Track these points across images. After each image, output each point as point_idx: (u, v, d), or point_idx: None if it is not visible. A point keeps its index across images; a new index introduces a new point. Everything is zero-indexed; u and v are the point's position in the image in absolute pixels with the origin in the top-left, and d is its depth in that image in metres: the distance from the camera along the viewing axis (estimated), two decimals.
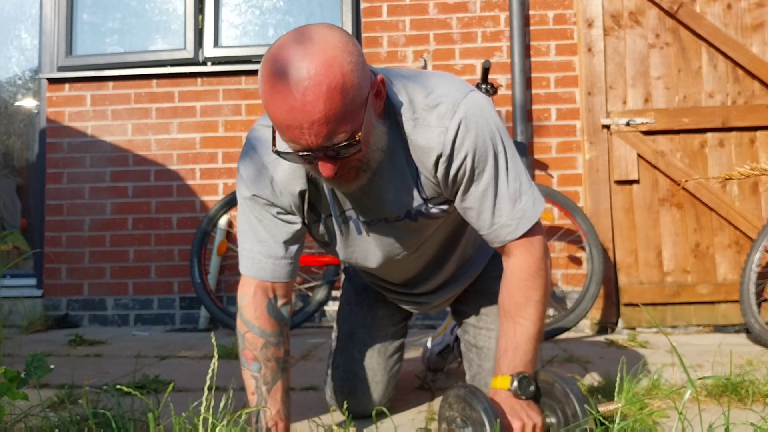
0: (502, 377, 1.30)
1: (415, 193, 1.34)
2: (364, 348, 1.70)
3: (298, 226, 1.39)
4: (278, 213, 1.38)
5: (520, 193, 1.32)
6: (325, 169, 1.14)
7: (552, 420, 1.26)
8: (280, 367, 1.40)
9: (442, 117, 1.25)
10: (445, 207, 1.39)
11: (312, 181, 1.34)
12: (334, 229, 1.43)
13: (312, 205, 1.39)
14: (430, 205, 1.37)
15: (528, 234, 1.33)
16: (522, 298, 1.34)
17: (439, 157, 1.26)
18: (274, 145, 1.21)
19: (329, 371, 1.73)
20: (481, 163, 1.28)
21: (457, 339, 2.05)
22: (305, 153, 1.12)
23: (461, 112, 1.25)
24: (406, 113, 1.26)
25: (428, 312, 1.79)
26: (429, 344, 2.21)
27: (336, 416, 1.67)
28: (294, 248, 1.41)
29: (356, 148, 1.14)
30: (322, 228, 1.44)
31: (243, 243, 1.43)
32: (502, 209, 1.31)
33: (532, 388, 1.27)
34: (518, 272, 1.35)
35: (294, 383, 1.97)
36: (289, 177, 1.33)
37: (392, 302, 1.75)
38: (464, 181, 1.29)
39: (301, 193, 1.35)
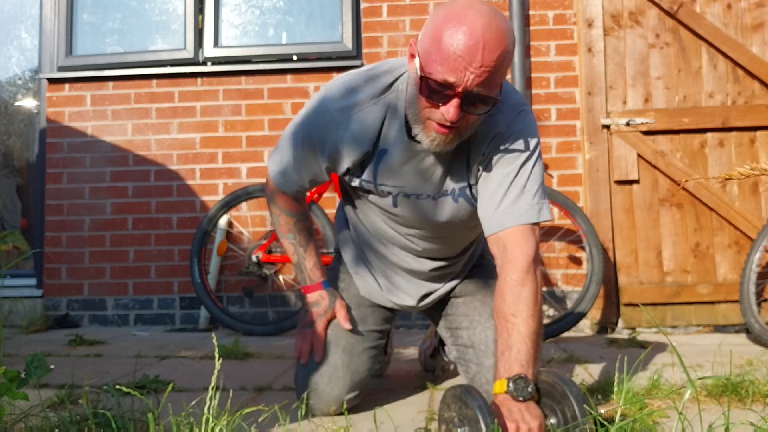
0: (499, 381, 1.30)
1: (464, 173, 1.48)
2: (329, 345, 1.69)
3: (324, 177, 1.59)
4: (323, 156, 1.50)
5: (533, 194, 1.43)
6: (454, 111, 1.26)
7: (552, 421, 1.26)
8: (310, 235, 1.73)
9: (511, 107, 1.43)
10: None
11: (384, 142, 1.47)
12: (378, 194, 1.56)
13: (372, 165, 1.50)
14: (473, 190, 1.50)
15: (527, 229, 1.40)
16: (512, 296, 1.37)
17: (496, 135, 1.43)
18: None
19: (294, 369, 1.76)
20: (520, 148, 1.43)
21: (442, 341, 2.05)
22: (452, 87, 1.24)
23: (522, 107, 1.45)
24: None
25: (406, 309, 1.79)
26: (422, 347, 2.22)
27: (336, 417, 1.67)
28: (312, 184, 1.62)
29: (487, 107, 1.29)
30: (362, 184, 1.55)
31: (282, 157, 1.58)
32: (515, 197, 1.42)
33: (529, 388, 1.26)
34: (509, 269, 1.39)
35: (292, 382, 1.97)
36: (362, 131, 1.45)
37: (365, 307, 1.77)
38: (495, 159, 1.44)
39: (375, 152, 1.48)
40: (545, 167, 3.42)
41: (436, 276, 1.73)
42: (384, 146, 1.46)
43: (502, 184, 1.42)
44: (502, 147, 1.43)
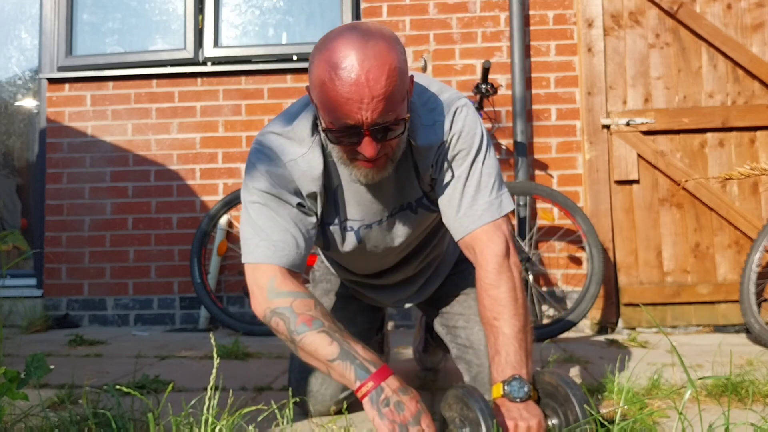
0: (495, 386, 1.30)
1: (416, 184, 1.45)
2: None
3: (314, 221, 1.43)
4: (299, 205, 1.41)
5: (490, 190, 1.41)
6: (369, 148, 1.22)
7: (554, 421, 1.26)
8: (335, 320, 1.36)
9: (440, 113, 1.39)
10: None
11: (324, 185, 1.41)
12: (334, 237, 1.50)
13: (323, 207, 1.44)
14: (427, 199, 1.48)
15: (491, 228, 1.38)
16: (490, 300, 1.35)
17: (435, 146, 1.39)
18: (316, 127, 1.33)
19: (288, 374, 1.76)
20: (465, 148, 1.39)
21: (427, 330, 2.04)
22: (355, 128, 1.20)
23: (455, 106, 1.40)
24: (418, 109, 1.39)
25: (393, 306, 1.81)
26: (414, 345, 2.23)
27: (336, 417, 1.67)
28: (309, 244, 1.42)
29: (401, 130, 1.25)
30: (321, 236, 1.50)
31: (260, 233, 1.37)
32: (471, 197, 1.39)
33: (525, 388, 1.26)
34: (482, 274, 1.37)
35: None
36: (306, 178, 1.39)
37: (354, 304, 1.78)
38: (445, 162, 1.40)
39: (314, 195, 1.41)
40: (546, 167, 3.42)
41: (420, 275, 1.74)
42: (331, 186, 1.44)
43: (456, 188, 1.40)
44: (446, 151, 1.40)
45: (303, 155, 1.38)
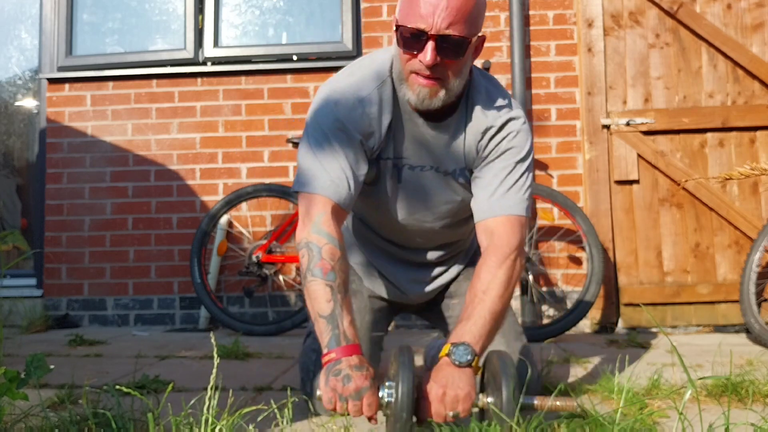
0: (445, 346, 1.34)
1: (461, 155, 1.54)
2: None
3: (366, 166, 1.50)
4: (362, 144, 1.48)
5: (525, 192, 1.51)
6: (429, 54, 1.32)
7: (489, 399, 1.25)
8: (348, 281, 1.43)
9: (503, 105, 1.52)
10: None
11: (394, 118, 1.51)
12: (383, 171, 1.57)
13: (384, 142, 1.52)
14: (467, 174, 1.57)
15: (515, 221, 1.47)
16: (488, 275, 1.41)
17: (489, 128, 1.50)
18: (397, 28, 1.38)
19: (300, 374, 1.77)
20: (514, 149, 1.50)
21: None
22: (424, 33, 1.31)
23: (521, 115, 1.54)
24: (481, 87, 1.52)
25: (411, 302, 1.81)
26: (434, 343, 2.22)
27: (336, 417, 1.67)
28: (358, 188, 1.49)
29: (461, 51, 1.35)
30: (374, 169, 1.56)
31: (320, 167, 1.44)
32: (507, 189, 1.49)
33: (469, 356, 1.28)
34: (491, 252, 1.44)
35: (294, 383, 1.97)
36: (380, 108, 1.49)
37: (368, 316, 1.79)
38: (491, 154, 1.51)
39: (387, 125, 1.50)
40: (546, 167, 3.43)
41: (439, 263, 1.78)
42: (393, 122, 1.52)
43: (497, 175, 1.49)
44: (498, 143, 1.51)
45: (379, 87, 1.48)
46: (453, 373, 1.28)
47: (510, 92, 3.44)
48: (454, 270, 1.82)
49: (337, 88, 1.50)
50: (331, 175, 1.43)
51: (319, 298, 1.35)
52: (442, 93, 1.41)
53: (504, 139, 1.51)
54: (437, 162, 1.56)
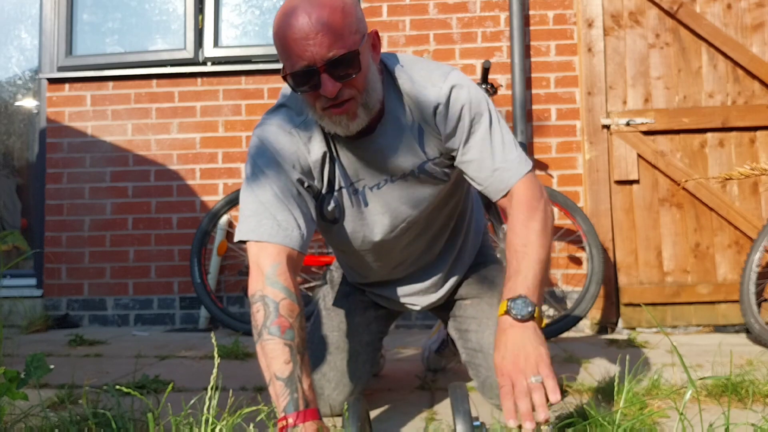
0: (502, 303, 1.31)
1: (418, 149, 1.48)
2: (337, 351, 1.70)
3: (313, 202, 1.46)
4: (302, 183, 1.43)
5: (514, 145, 1.47)
6: (328, 86, 1.27)
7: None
8: (306, 339, 1.35)
9: (436, 80, 1.43)
10: (447, 171, 1.52)
11: (329, 149, 1.45)
12: (343, 203, 1.51)
13: (328, 174, 1.47)
14: (432, 165, 1.50)
15: (528, 179, 1.44)
16: (523, 229, 1.38)
17: (436, 107, 1.43)
18: (286, 78, 1.32)
19: None
20: (477, 114, 1.44)
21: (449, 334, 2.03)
22: (311, 69, 1.26)
23: (452, 77, 1.44)
24: (402, 75, 1.44)
25: (414, 311, 1.80)
26: (426, 343, 2.21)
27: (336, 417, 1.67)
28: (311, 228, 1.43)
29: (355, 64, 1.28)
30: (332, 203, 1.51)
31: (265, 211, 1.37)
32: (502, 153, 1.44)
33: (530, 308, 1.25)
34: (517, 210, 1.41)
35: None
36: (314, 141, 1.44)
37: (371, 312, 1.77)
38: (464, 131, 1.44)
39: (323, 157, 1.45)
40: (546, 167, 3.42)
41: (438, 264, 1.71)
42: (332, 153, 1.47)
43: (483, 149, 1.44)
44: (453, 121, 1.44)
45: (304, 121, 1.43)
46: (517, 333, 1.24)
47: (510, 92, 3.45)
48: (460, 269, 1.75)
49: (267, 130, 1.44)
50: (278, 218, 1.35)
51: (277, 359, 1.26)
52: (360, 111, 1.34)
53: (461, 112, 1.43)
54: (391, 172, 1.49)
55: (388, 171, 1.49)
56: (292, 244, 1.35)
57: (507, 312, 1.27)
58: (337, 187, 1.49)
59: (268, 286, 1.31)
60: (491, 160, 1.44)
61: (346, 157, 1.47)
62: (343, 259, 1.76)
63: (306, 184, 1.44)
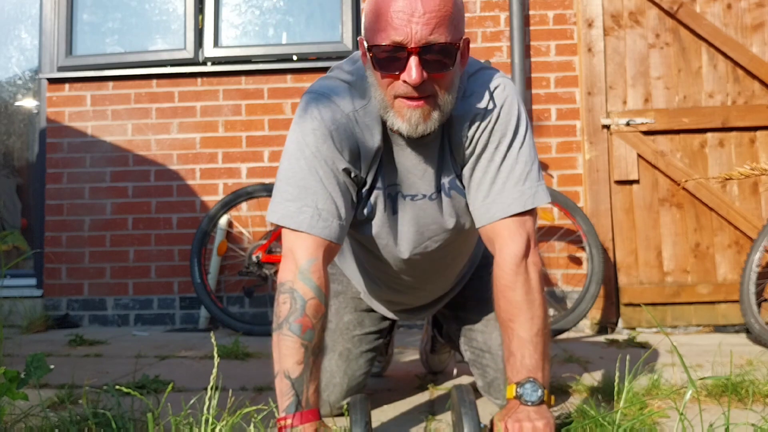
0: (509, 387, 1.28)
1: (450, 163, 1.38)
2: (326, 351, 1.66)
3: (355, 190, 1.37)
4: (348, 172, 1.34)
5: (525, 177, 1.33)
6: (416, 72, 1.15)
7: None
8: (323, 340, 1.33)
9: (480, 84, 1.34)
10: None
11: (384, 144, 1.35)
12: (376, 204, 1.41)
13: (375, 170, 1.38)
14: (460, 180, 1.40)
15: (515, 224, 1.31)
16: (505, 302, 1.31)
17: (473, 117, 1.33)
18: (369, 50, 1.20)
19: None
20: (503, 129, 1.33)
21: (435, 327, 1.99)
22: (402, 47, 1.14)
23: (501, 83, 1.34)
24: (465, 86, 1.34)
25: (412, 321, 1.79)
26: (420, 346, 2.21)
27: (336, 417, 1.67)
28: (350, 216, 1.36)
29: (450, 60, 1.18)
30: (369, 201, 1.41)
31: (307, 197, 1.29)
32: (502, 183, 1.33)
33: (539, 392, 1.23)
34: (499, 274, 1.32)
35: None
36: (366, 131, 1.33)
37: (363, 309, 1.74)
38: (479, 143, 1.34)
39: (377, 151, 1.34)
40: (545, 167, 3.42)
41: (451, 282, 1.70)
42: (383, 145, 1.37)
43: (488, 171, 1.33)
44: (482, 129, 1.33)
45: (365, 106, 1.32)
46: (527, 410, 1.22)
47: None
48: (467, 277, 1.73)
49: (325, 104, 1.32)
50: (319, 206, 1.28)
51: (290, 357, 1.25)
52: (435, 114, 1.23)
53: (489, 123, 1.32)
54: (432, 186, 1.40)
55: (429, 184, 1.39)
56: (331, 236, 1.29)
57: (517, 397, 1.24)
58: (377, 186, 1.40)
59: (299, 280, 1.27)
60: (488, 187, 1.33)
61: (393, 157, 1.38)
62: (352, 259, 1.69)
63: (353, 174, 1.35)
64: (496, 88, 1.34)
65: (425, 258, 1.51)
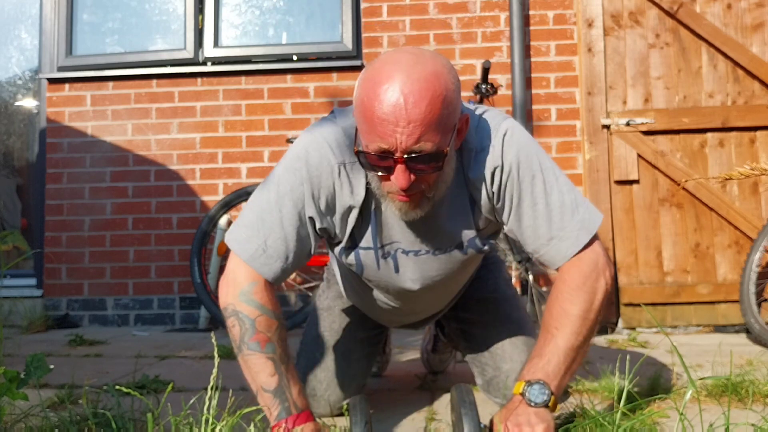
0: (518, 382, 1.27)
1: (471, 222, 1.37)
2: (327, 351, 1.68)
3: (314, 245, 1.36)
4: (313, 222, 1.33)
5: (576, 205, 1.32)
6: (402, 178, 1.15)
7: None
8: (288, 348, 1.34)
9: (488, 136, 1.30)
10: (492, 241, 1.43)
11: (365, 203, 1.32)
12: (364, 262, 1.41)
13: (354, 228, 1.36)
14: (481, 238, 1.40)
15: (581, 256, 1.32)
16: (558, 309, 1.31)
17: (492, 173, 1.30)
18: (355, 144, 1.21)
19: None
20: (528, 173, 1.30)
21: (438, 326, 1.99)
22: (389, 155, 1.14)
23: (503, 127, 1.31)
24: (464, 147, 1.31)
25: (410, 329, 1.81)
26: (422, 345, 2.21)
27: (336, 417, 1.67)
28: (300, 263, 1.36)
29: (438, 164, 1.17)
30: (352, 257, 1.41)
31: (261, 229, 1.31)
32: (560, 219, 1.31)
33: (545, 397, 1.22)
34: (560, 285, 1.33)
35: None
36: (347, 189, 1.31)
37: (361, 313, 1.74)
38: (513, 194, 1.31)
39: (359, 207, 1.32)
40: None
41: (438, 310, 1.71)
42: (370, 207, 1.34)
43: (536, 215, 1.31)
44: (506, 182, 1.31)
45: (353, 163, 1.29)
46: (528, 412, 1.21)
47: (510, 92, 3.45)
48: (467, 286, 1.73)
49: (315, 148, 1.30)
50: (268, 242, 1.29)
51: (261, 372, 1.27)
52: (425, 202, 1.24)
53: (512, 173, 1.30)
54: (437, 245, 1.38)
55: (434, 243, 1.38)
56: (268, 275, 1.30)
57: (522, 394, 1.24)
58: (362, 246, 1.38)
59: (242, 302, 1.29)
60: (547, 227, 1.31)
61: (385, 216, 1.35)
62: (343, 281, 1.68)
63: (318, 226, 1.33)
64: (504, 135, 1.30)
65: (426, 288, 1.49)
